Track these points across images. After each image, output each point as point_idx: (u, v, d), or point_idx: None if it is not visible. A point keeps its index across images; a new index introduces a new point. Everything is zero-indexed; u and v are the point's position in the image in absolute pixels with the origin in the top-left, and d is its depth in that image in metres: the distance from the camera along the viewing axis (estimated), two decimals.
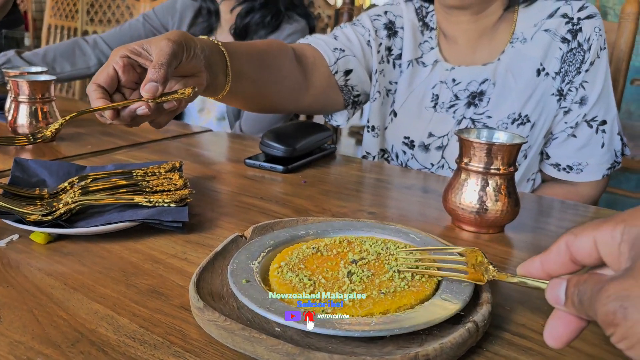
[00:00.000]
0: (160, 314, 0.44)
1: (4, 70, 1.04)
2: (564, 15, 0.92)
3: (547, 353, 0.41)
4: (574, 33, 0.91)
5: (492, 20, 0.95)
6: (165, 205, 0.60)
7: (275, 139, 0.85)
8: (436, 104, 0.99)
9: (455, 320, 0.41)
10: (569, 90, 0.92)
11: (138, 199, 0.60)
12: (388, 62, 1.04)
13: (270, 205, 0.70)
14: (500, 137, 0.65)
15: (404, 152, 1.03)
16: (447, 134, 0.98)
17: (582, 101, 0.92)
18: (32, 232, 0.56)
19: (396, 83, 1.04)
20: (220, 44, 0.75)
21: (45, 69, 1.06)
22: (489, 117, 0.95)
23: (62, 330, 0.41)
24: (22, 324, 0.41)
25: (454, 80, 0.98)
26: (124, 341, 0.40)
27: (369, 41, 1.02)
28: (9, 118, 0.95)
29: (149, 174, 0.68)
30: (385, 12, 1.05)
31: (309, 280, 0.44)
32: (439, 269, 0.45)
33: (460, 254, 0.45)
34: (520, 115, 0.93)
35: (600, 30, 0.91)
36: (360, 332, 0.37)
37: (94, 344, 0.39)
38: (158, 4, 1.62)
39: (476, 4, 0.92)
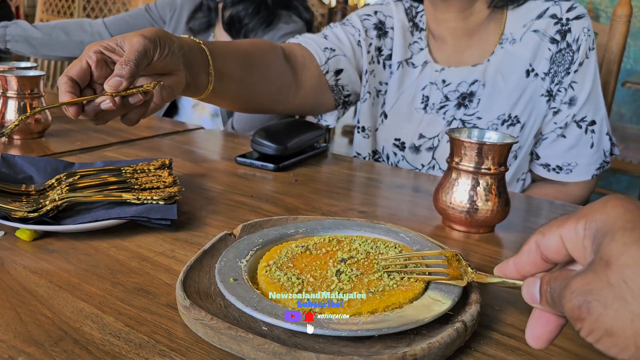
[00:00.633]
0: (147, 312, 0.43)
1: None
2: (553, 16, 0.92)
3: (535, 353, 0.40)
4: (563, 34, 0.91)
5: (479, 19, 0.95)
6: (154, 202, 0.59)
7: (267, 137, 0.85)
8: (426, 105, 0.99)
9: (443, 320, 0.41)
10: (558, 90, 0.92)
11: (127, 196, 0.59)
12: (378, 62, 1.04)
13: (261, 204, 0.69)
14: (491, 137, 0.65)
15: (395, 154, 1.03)
16: (437, 135, 0.98)
17: (571, 102, 0.92)
18: (18, 229, 0.55)
19: (386, 84, 1.04)
20: (202, 42, 0.74)
21: (35, 64, 1.05)
22: (479, 118, 0.95)
23: (45, 329, 0.40)
24: (5, 322, 0.41)
25: (443, 81, 0.98)
26: (109, 340, 0.39)
27: (359, 41, 1.02)
28: None
29: (138, 171, 0.68)
30: (375, 12, 1.05)
31: (298, 279, 0.44)
32: (422, 272, 0.45)
33: (443, 254, 0.45)
34: (510, 116, 0.93)
35: (589, 30, 0.91)
36: (348, 332, 0.37)
37: (78, 342, 0.39)
38: None
39: None
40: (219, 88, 0.77)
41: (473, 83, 0.95)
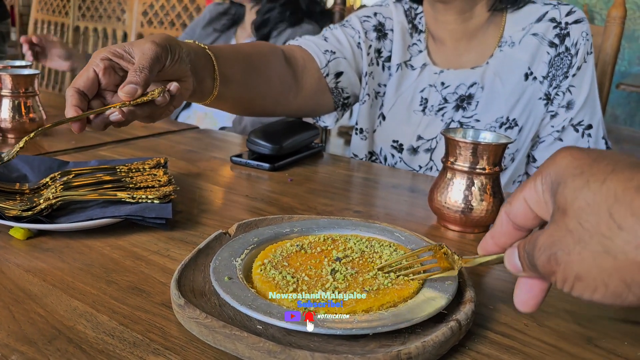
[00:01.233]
0: (141, 311, 0.43)
1: None
2: (552, 20, 0.92)
3: (530, 352, 0.41)
4: (562, 37, 0.91)
5: (479, 21, 0.96)
6: (149, 201, 0.59)
7: (262, 137, 0.85)
8: (425, 107, 0.99)
9: (438, 318, 0.41)
10: (556, 94, 0.93)
11: (121, 195, 0.59)
12: (377, 64, 1.04)
13: (256, 203, 0.69)
14: (486, 137, 0.65)
15: (392, 155, 1.03)
16: (435, 137, 0.98)
17: (568, 105, 0.93)
18: (12, 227, 0.55)
19: (385, 86, 1.04)
20: (206, 47, 0.74)
21: (29, 63, 1.04)
22: (477, 120, 0.95)
23: (39, 327, 0.40)
24: None
25: (442, 83, 0.98)
26: (103, 338, 0.39)
27: (359, 43, 1.02)
28: None
29: (133, 170, 0.68)
30: (375, 14, 1.05)
31: (292, 277, 0.44)
32: (417, 272, 0.45)
33: (430, 250, 0.45)
34: (508, 119, 0.93)
35: (587, 34, 0.91)
36: (343, 330, 0.37)
37: (72, 341, 0.39)
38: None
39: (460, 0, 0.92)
40: (223, 92, 0.77)
41: (472, 86, 0.96)
